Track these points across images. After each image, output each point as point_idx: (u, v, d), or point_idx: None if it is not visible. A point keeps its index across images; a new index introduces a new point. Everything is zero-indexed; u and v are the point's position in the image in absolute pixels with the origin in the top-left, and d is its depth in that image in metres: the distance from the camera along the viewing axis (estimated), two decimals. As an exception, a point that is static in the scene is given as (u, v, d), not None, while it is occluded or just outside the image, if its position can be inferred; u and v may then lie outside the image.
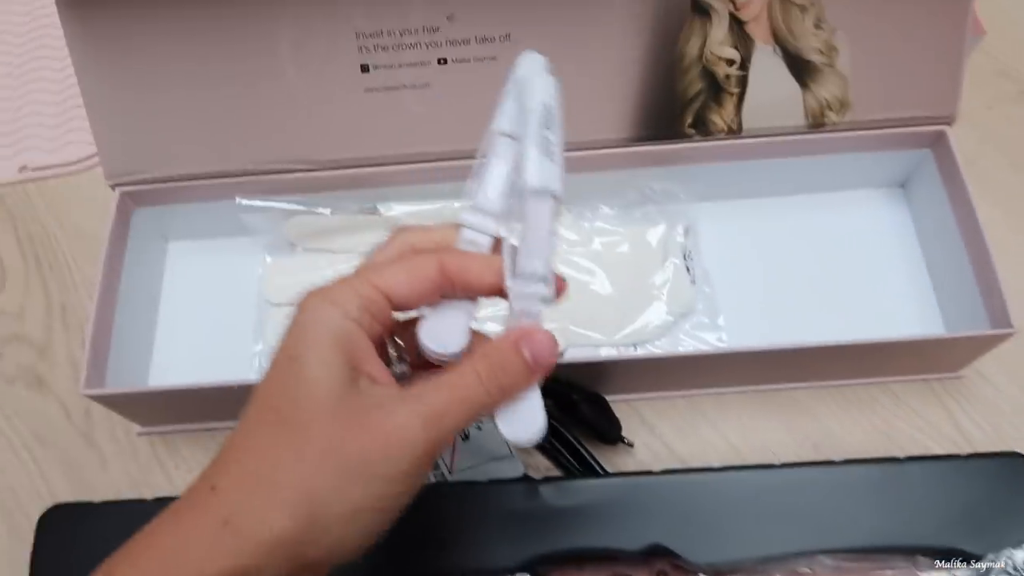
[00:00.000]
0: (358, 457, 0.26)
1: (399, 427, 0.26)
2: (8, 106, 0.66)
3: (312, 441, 0.26)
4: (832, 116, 0.53)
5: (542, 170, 0.27)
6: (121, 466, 0.51)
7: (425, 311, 0.30)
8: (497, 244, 0.30)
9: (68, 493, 0.50)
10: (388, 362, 0.31)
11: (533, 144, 0.27)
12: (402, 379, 0.30)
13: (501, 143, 0.30)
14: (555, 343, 0.28)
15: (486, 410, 0.28)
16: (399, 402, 0.27)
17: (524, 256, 0.28)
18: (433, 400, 0.27)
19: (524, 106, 0.28)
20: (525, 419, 0.29)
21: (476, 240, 0.30)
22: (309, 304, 0.28)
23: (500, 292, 0.29)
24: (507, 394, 0.28)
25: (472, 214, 0.30)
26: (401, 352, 0.31)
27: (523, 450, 0.49)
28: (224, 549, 0.25)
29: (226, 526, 0.25)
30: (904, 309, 0.53)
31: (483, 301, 0.31)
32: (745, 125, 0.53)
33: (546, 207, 0.27)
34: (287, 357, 0.28)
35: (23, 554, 0.44)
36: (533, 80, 0.28)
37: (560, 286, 0.30)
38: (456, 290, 0.29)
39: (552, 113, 0.28)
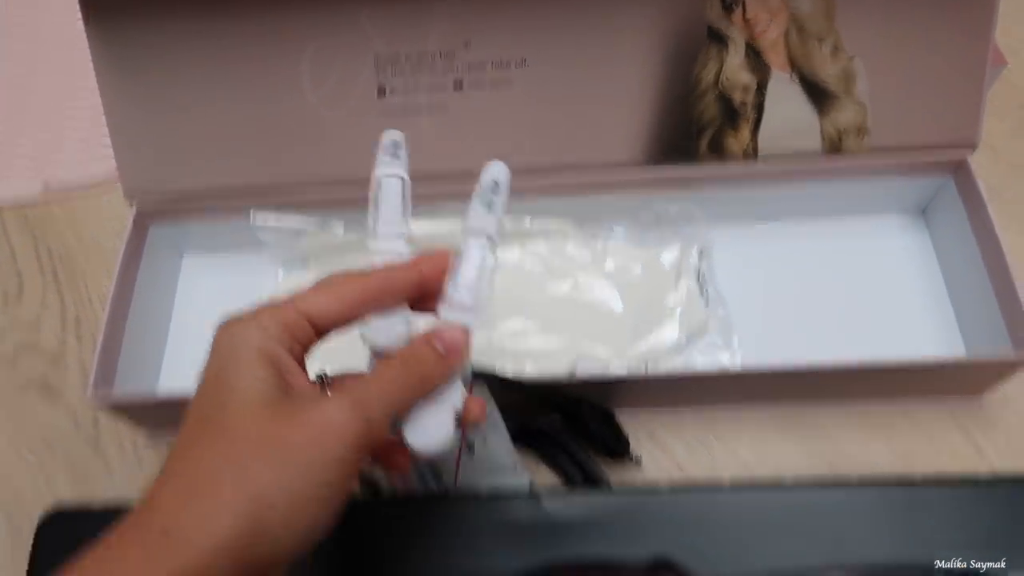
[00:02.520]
0: (293, 448, 0.27)
1: (330, 415, 0.27)
2: (36, 126, 0.68)
3: (246, 442, 0.27)
4: (850, 142, 0.52)
5: (480, 216, 0.32)
6: (126, 474, 0.51)
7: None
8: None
9: (72, 499, 0.50)
10: None
11: (478, 197, 0.33)
12: None
13: (386, 184, 0.34)
14: (466, 336, 0.32)
15: (409, 395, 0.30)
16: (328, 397, 0.29)
17: (454, 287, 0.32)
18: (359, 390, 0.29)
19: (480, 178, 0.34)
20: (432, 428, 0.31)
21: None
22: (231, 326, 0.30)
23: (424, 288, 0.32)
24: (425, 383, 0.30)
25: (380, 242, 0.34)
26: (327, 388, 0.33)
27: (530, 465, 0.48)
28: (163, 559, 0.25)
29: (166, 537, 0.25)
30: (924, 334, 0.52)
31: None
32: (761, 150, 0.53)
33: (478, 245, 0.32)
34: (214, 373, 0.29)
35: (23, 557, 0.44)
36: (494, 166, 0.35)
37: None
38: (383, 303, 0.32)
39: (500, 187, 0.34)
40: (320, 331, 0.31)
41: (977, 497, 0.38)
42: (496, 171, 0.34)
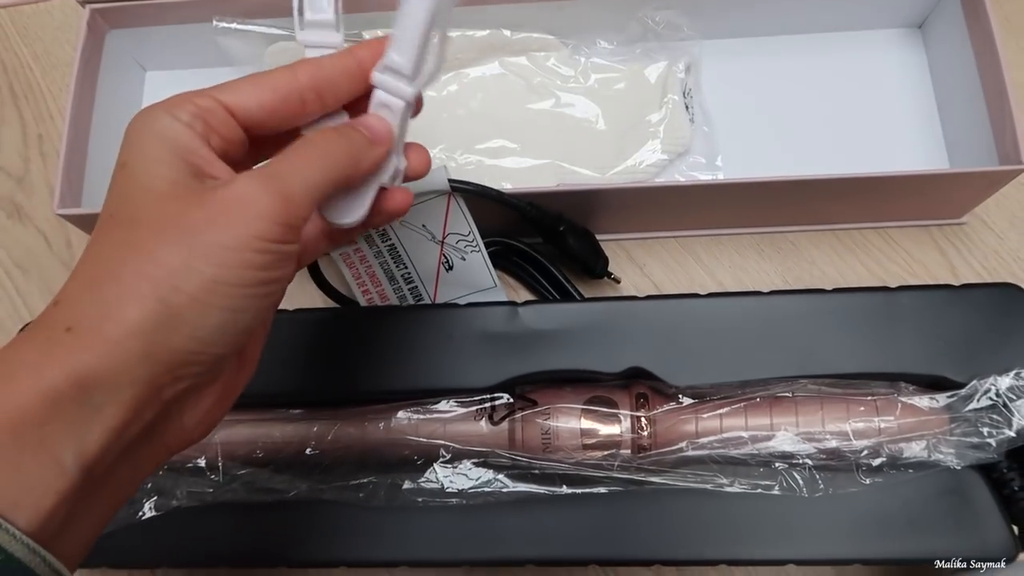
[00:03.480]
0: (197, 227, 0.24)
1: (237, 190, 0.25)
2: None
3: (148, 227, 0.25)
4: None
5: None
6: (101, 293, 0.50)
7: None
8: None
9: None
10: None
11: None
12: None
13: None
14: (391, 127, 0.29)
15: (333, 171, 0.27)
16: (240, 176, 0.26)
17: (394, 49, 0.28)
18: (273, 166, 0.26)
19: None
20: (350, 206, 0.29)
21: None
22: (142, 114, 0.27)
23: (362, 85, 0.29)
24: (355, 161, 0.28)
25: (307, 33, 0.30)
26: None
27: (509, 285, 0.48)
28: (63, 356, 0.22)
29: (68, 333, 0.23)
30: (912, 153, 0.51)
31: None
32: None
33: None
34: (119, 166, 0.26)
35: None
36: None
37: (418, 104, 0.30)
38: (320, 96, 0.28)
39: None
40: (247, 126, 0.28)
41: (951, 302, 0.38)
42: None
